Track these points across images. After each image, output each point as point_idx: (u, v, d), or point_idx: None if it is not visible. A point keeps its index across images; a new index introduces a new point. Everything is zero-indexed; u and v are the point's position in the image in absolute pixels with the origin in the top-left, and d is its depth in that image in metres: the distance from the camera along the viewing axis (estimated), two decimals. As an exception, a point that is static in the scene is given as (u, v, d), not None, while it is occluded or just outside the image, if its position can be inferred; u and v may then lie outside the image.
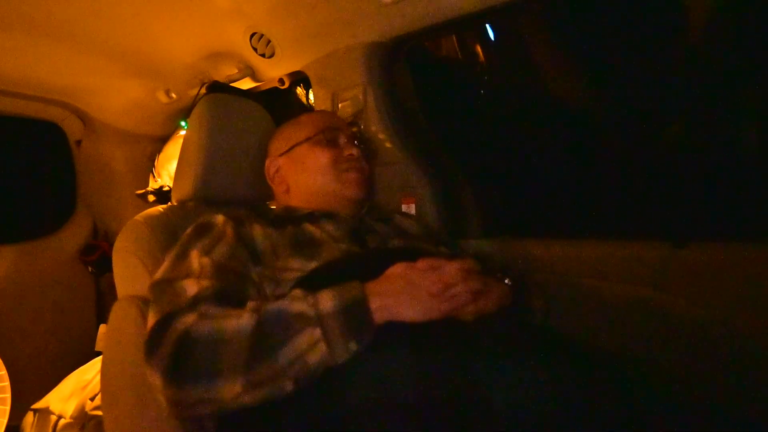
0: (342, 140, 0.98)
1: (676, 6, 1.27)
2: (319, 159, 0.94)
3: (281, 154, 0.98)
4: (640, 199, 1.32)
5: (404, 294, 0.60)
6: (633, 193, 1.34)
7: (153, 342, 0.59)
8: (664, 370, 0.86)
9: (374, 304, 0.58)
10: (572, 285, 1.00)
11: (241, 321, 0.57)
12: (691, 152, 1.29)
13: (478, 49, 1.60)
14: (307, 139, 0.96)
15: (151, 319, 0.64)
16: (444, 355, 0.55)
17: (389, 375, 0.53)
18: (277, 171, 0.98)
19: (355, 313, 0.57)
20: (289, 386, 0.55)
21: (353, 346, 0.55)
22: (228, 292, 0.65)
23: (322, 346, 0.55)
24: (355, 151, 0.96)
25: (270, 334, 0.56)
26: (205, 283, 0.65)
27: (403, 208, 1.17)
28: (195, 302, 0.62)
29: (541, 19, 1.45)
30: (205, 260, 0.68)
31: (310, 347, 0.55)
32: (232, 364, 0.55)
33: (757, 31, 1.11)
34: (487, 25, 1.52)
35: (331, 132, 0.97)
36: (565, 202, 1.43)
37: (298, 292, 0.61)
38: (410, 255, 0.68)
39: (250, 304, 0.61)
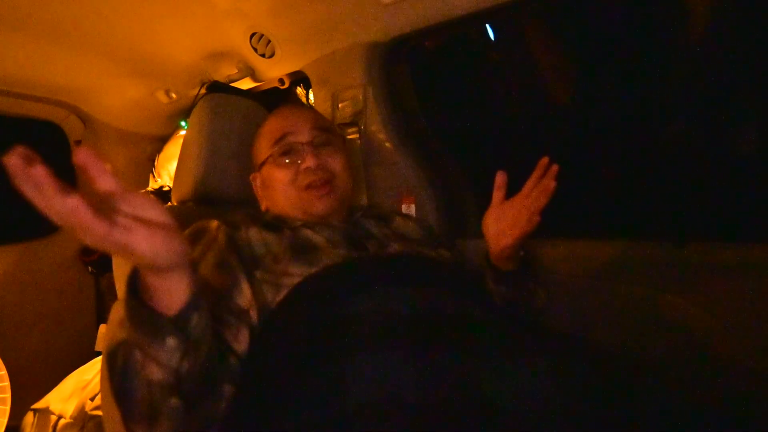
0: (298, 147, 0.88)
1: (677, 5, 1.27)
2: (278, 180, 0.87)
3: (258, 170, 0.94)
4: (640, 199, 1.32)
5: None
6: (633, 193, 1.34)
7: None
8: (663, 370, 0.86)
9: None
10: (572, 285, 1.00)
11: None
12: (691, 152, 1.29)
13: (479, 49, 1.60)
14: (267, 159, 0.90)
15: None
16: (444, 354, 0.55)
17: (390, 375, 0.53)
18: (259, 185, 0.95)
19: (129, 295, 0.53)
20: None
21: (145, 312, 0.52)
22: None
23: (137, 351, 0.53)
24: (311, 162, 0.86)
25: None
26: None
27: (403, 208, 1.16)
28: None
29: (541, 18, 1.45)
30: None
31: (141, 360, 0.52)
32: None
33: (757, 31, 1.11)
34: (487, 25, 1.52)
35: (285, 142, 0.88)
36: (566, 201, 1.43)
37: None
38: (409, 260, 0.67)
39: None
